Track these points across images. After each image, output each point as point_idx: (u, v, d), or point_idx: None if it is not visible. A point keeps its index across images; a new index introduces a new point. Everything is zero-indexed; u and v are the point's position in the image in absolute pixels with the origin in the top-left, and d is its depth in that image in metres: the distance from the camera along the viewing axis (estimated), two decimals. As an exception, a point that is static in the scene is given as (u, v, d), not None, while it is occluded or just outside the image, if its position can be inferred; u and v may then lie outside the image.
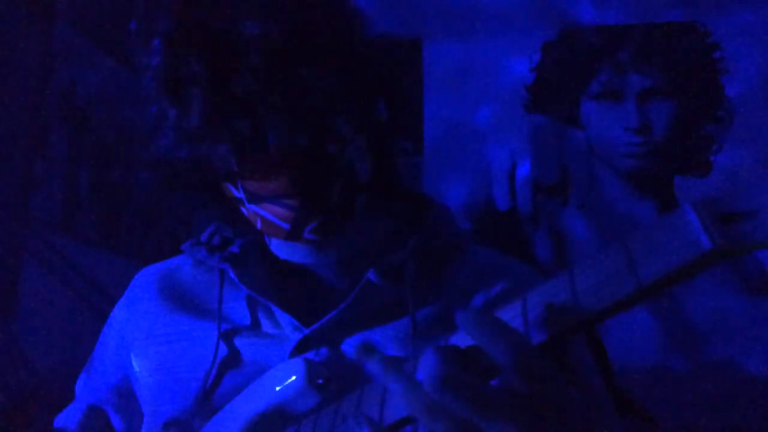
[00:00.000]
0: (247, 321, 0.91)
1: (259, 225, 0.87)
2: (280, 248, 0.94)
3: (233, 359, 0.89)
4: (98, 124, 2.20)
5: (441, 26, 2.30)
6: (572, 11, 2.23)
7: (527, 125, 2.21)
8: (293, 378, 0.78)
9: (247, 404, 0.81)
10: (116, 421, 0.98)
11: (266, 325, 0.90)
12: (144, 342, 0.94)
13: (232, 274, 0.90)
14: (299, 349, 0.86)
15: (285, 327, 0.89)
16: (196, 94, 0.78)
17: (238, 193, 0.85)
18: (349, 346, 0.86)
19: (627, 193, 2.11)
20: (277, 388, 0.78)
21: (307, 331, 0.86)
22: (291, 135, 0.78)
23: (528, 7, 2.26)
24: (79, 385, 1.04)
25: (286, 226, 0.84)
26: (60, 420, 1.02)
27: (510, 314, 0.56)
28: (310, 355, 0.85)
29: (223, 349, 0.89)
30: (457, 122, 2.26)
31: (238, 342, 0.90)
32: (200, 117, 0.78)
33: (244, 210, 0.87)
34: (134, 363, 0.95)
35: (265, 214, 0.84)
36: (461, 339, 0.57)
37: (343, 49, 0.83)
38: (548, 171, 2.17)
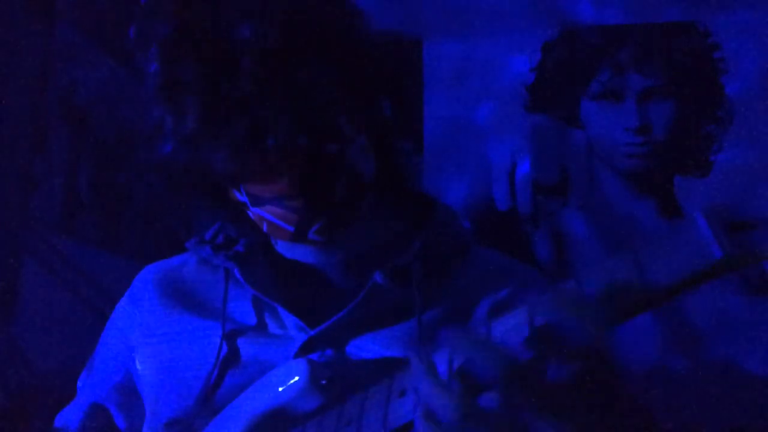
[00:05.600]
0: (252, 321, 0.91)
1: (265, 228, 0.87)
2: (285, 248, 0.94)
3: (236, 359, 0.89)
4: (98, 124, 2.19)
5: (441, 26, 2.30)
6: (572, 11, 2.23)
7: (527, 125, 2.21)
8: (296, 378, 0.78)
9: (250, 404, 0.81)
10: (119, 419, 0.98)
11: (271, 326, 0.90)
12: (146, 340, 0.94)
13: (237, 274, 0.90)
14: (304, 350, 0.86)
15: (290, 328, 0.88)
16: (191, 99, 0.78)
17: (241, 197, 0.85)
18: (354, 347, 0.86)
19: (627, 193, 2.10)
20: (280, 389, 0.78)
21: (312, 332, 0.86)
22: (290, 136, 0.77)
23: (528, 7, 2.25)
24: (81, 384, 1.04)
25: (290, 228, 0.84)
26: (61, 418, 1.01)
27: (516, 320, 0.56)
28: (315, 356, 0.85)
29: (226, 349, 0.89)
30: (457, 122, 2.25)
31: (241, 342, 0.89)
32: (196, 122, 0.78)
33: (250, 213, 0.87)
34: (137, 361, 0.95)
35: (269, 217, 0.85)
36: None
37: (342, 47, 0.83)
38: (548, 171, 2.17)
